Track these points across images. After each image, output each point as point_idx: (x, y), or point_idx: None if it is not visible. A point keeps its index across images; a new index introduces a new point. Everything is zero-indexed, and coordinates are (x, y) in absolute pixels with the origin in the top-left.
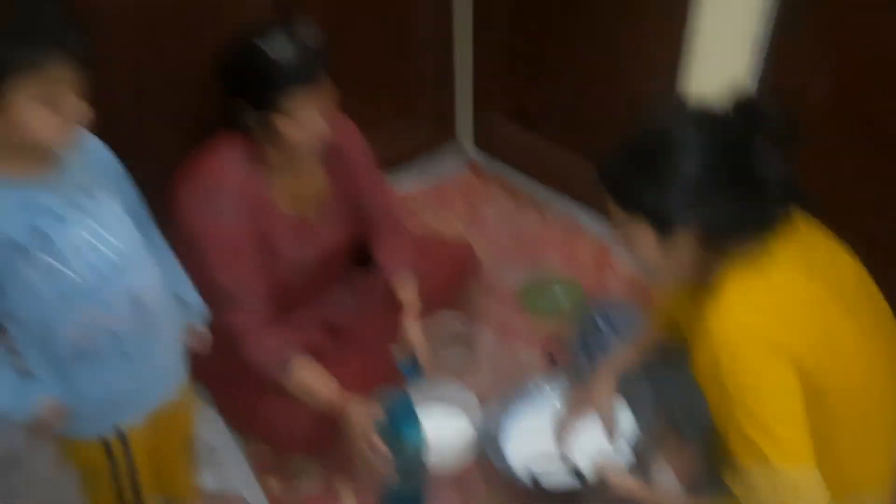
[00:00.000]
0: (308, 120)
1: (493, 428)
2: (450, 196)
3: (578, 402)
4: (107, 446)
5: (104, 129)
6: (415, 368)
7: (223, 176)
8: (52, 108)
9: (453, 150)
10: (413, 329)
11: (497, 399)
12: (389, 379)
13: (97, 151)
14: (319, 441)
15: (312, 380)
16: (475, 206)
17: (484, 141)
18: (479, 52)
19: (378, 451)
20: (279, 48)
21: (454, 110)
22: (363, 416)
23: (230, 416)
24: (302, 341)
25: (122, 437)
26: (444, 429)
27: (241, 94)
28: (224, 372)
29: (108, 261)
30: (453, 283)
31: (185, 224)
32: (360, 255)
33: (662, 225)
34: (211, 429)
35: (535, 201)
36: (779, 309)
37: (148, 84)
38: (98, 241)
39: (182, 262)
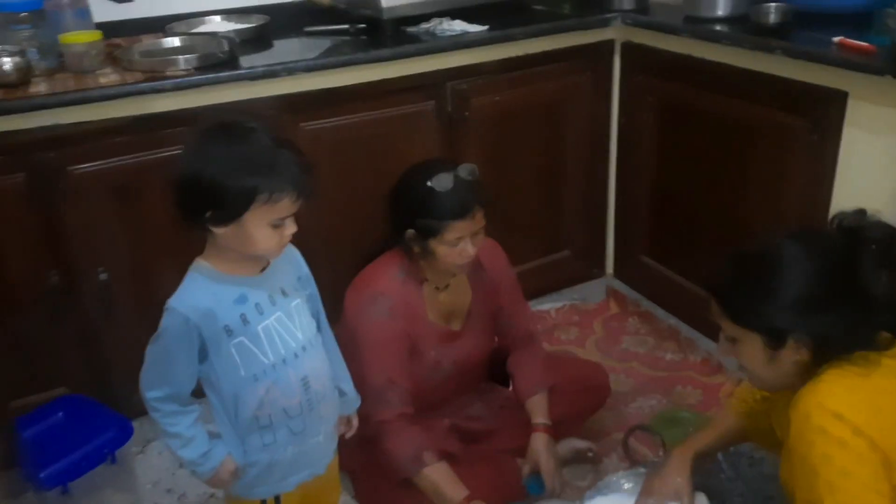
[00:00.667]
0: (462, 247)
1: None
2: (590, 322)
3: (653, 486)
4: None
5: (303, 243)
6: (539, 485)
7: (384, 285)
8: (276, 230)
9: (597, 279)
10: (540, 446)
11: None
12: (513, 492)
13: (293, 256)
14: None
15: (442, 482)
16: (614, 334)
17: (627, 274)
18: (621, 189)
19: None
20: (442, 186)
21: (604, 246)
22: None
23: None
24: (435, 445)
25: (277, 501)
26: None
27: (408, 223)
28: (367, 463)
29: (290, 349)
30: (583, 404)
31: (348, 326)
32: (497, 371)
33: (773, 338)
34: None
35: (675, 335)
36: (873, 404)
37: (336, 211)
38: (285, 331)
39: (345, 360)
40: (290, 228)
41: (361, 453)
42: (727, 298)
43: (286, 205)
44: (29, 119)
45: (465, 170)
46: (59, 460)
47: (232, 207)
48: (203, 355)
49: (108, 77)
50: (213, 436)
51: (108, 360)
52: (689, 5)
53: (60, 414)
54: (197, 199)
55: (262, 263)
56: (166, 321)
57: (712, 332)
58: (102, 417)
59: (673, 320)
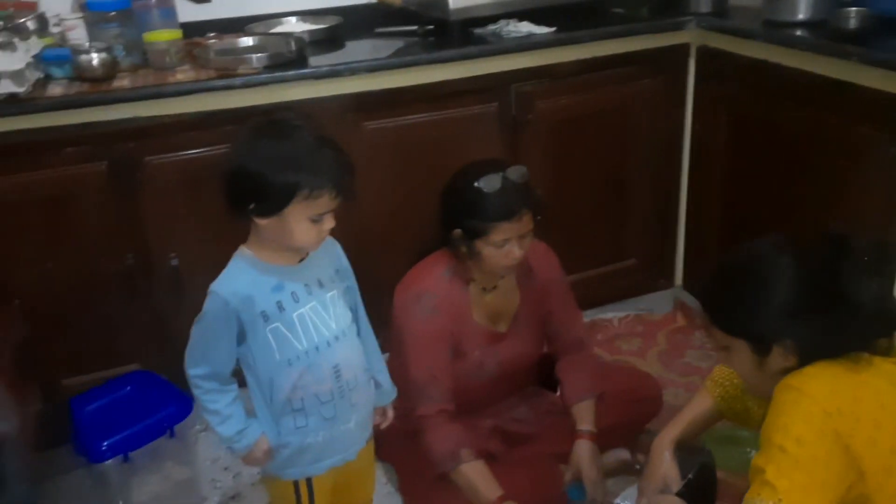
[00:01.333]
0: (508, 249)
1: None
2: (654, 333)
3: (643, 485)
4: (296, 488)
5: (357, 237)
6: (580, 493)
7: (430, 283)
8: (315, 225)
9: (664, 290)
10: (584, 453)
11: None
12: (553, 497)
13: (333, 249)
14: None
15: (477, 479)
16: (678, 347)
17: (694, 287)
18: (693, 198)
19: None
20: (489, 186)
21: (673, 257)
22: None
23: (409, 500)
24: (475, 443)
25: (309, 484)
26: None
27: (455, 223)
28: (409, 457)
29: (323, 337)
30: (632, 415)
31: (395, 323)
32: (546, 377)
33: (760, 345)
34: None
35: None
36: (852, 395)
37: (394, 209)
38: (319, 320)
39: (393, 356)
40: (329, 224)
41: (404, 447)
42: (714, 307)
43: (325, 201)
44: (112, 111)
45: (514, 172)
46: (121, 431)
47: (274, 201)
48: (241, 338)
49: (186, 74)
50: (251, 415)
51: (176, 340)
52: (769, 9)
53: (128, 388)
54: (242, 191)
55: (301, 254)
56: (208, 304)
57: None
58: (166, 393)
59: None
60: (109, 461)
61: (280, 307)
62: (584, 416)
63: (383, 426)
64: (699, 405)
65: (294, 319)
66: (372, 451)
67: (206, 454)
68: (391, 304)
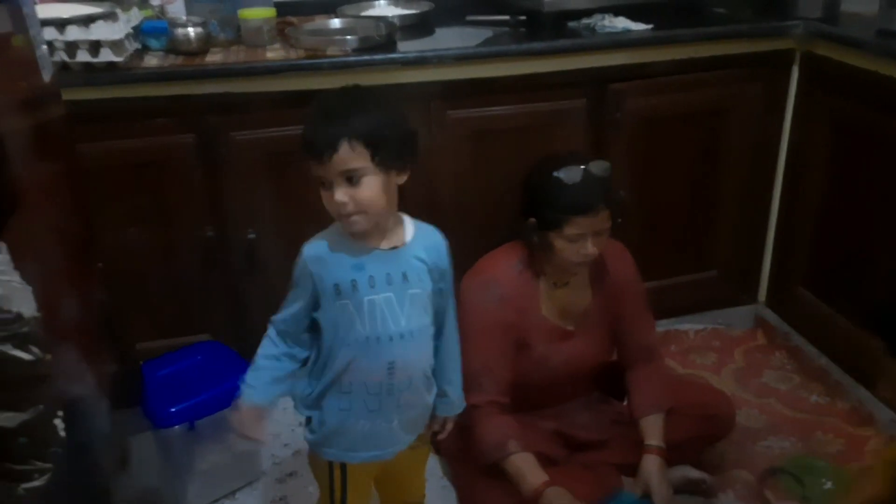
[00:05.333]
0: (581, 243)
1: None
2: (731, 349)
3: None
4: (330, 469)
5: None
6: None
7: (498, 273)
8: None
9: (746, 306)
10: (653, 469)
11: None
12: None
13: (436, 248)
14: None
15: (524, 468)
16: (756, 366)
17: (780, 305)
18: (785, 212)
19: None
20: (569, 178)
21: (759, 272)
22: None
23: (460, 492)
24: (532, 443)
25: (343, 469)
26: None
27: (531, 213)
28: (462, 450)
29: (388, 331)
30: (702, 433)
31: (460, 311)
32: (611, 385)
33: None
34: (445, 499)
35: (824, 377)
36: None
37: (472, 200)
38: (390, 313)
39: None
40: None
41: (458, 439)
42: None
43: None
44: (203, 85)
45: (597, 166)
46: (189, 399)
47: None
48: (316, 304)
49: (276, 52)
50: (291, 377)
51: (249, 314)
52: (884, 18)
53: (198, 357)
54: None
55: (394, 242)
56: (297, 260)
57: (867, 380)
58: (234, 365)
59: (824, 360)
60: (175, 427)
61: (354, 286)
62: (653, 430)
63: (440, 437)
64: (865, 489)
65: (364, 303)
66: (421, 457)
67: (269, 429)
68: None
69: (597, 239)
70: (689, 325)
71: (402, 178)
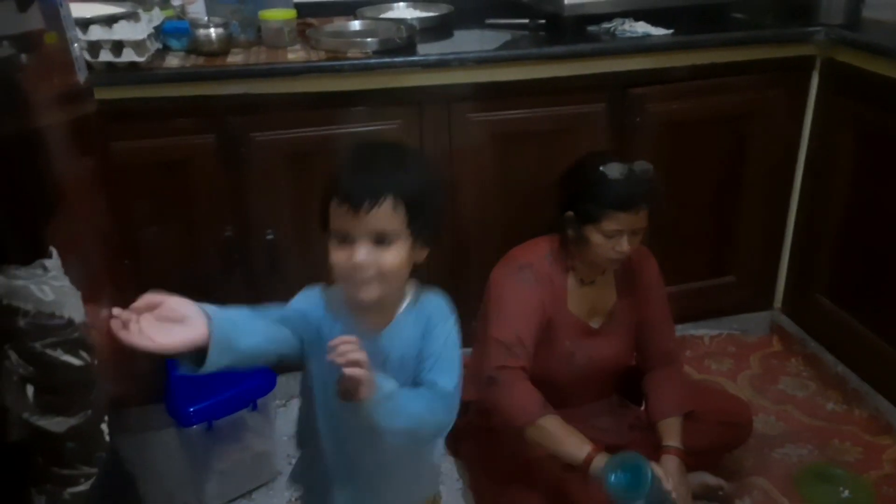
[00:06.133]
0: (617, 240)
1: None
2: (747, 355)
3: None
4: None
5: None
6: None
7: (534, 259)
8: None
9: (762, 312)
10: (672, 469)
11: None
12: None
13: (427, 324)
14: None
15: (562, 433)
16: (772, 373)
17: (796, 311)
18: (803, 219)
19: None
20: (614, 173)
21: (775, 278)
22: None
23: (479, 498)
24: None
25: None
26: None
27: (571, 205)
28: (481, 453)
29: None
30: (719, 439)
31: (491, 294)
32: (629, 390)
33: None
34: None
35: (841, 385)
36: None
37: (491, 202)
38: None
39: (475, 349)
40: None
41: (477, 445)
42: None
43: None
44: (224, 86)
45: (640, 166)
46: (208, 399)
47: None
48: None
49: (297, 53)
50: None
51: None
52: None
53: None
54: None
55: (386, 319)
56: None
57: (886, 388)
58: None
59: (841, 368)
60: (195, 426)
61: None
62: (672, 432)
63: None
64: None
65: (322, 369)
66: None
67: (284, 430)
68: (480, 296)
69: (633, 238)
70: (704, 331)
71: (422, 256)
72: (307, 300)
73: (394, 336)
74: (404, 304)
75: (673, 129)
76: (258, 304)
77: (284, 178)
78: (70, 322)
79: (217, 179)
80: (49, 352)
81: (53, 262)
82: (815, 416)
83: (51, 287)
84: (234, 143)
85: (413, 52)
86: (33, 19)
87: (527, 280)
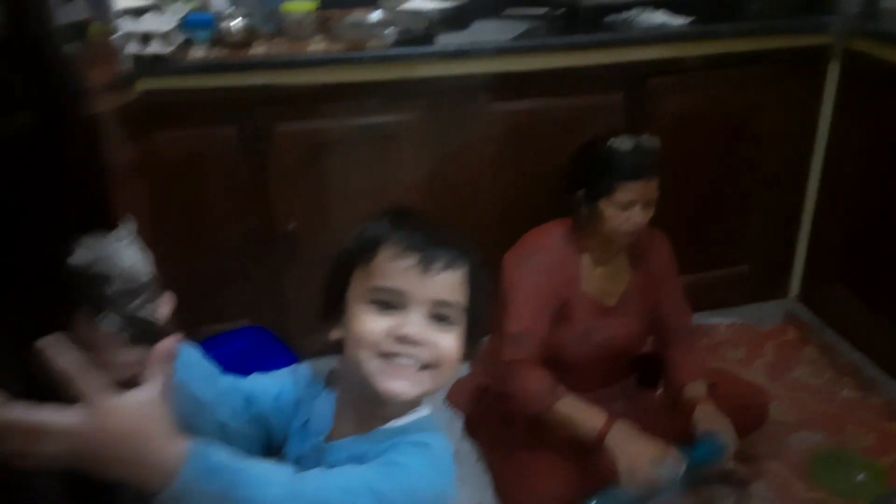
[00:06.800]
0: (630, 210)
1: None
2: (762, 344)
3: None
4: None
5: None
6: (715, 447)
7: (543, 244)
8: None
9: (776, 301)
10: (710, 409)
11: None
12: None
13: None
14: None
15: (578, 410)
16: (787, 361)
17: (812, 300)
18: (821, 208)
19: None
20: (621, 145)
21: (790, 268)
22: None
23: (498, 480)
24: None
25: None
26: None
27: (581, 182)
28: (497, 436)
29: None
30: (736, 424)
31: (504, 281)
32: (644, 375)
33: None
34: (482, 490)
35: (856, 372)
36: None
37: (506, 191)
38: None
39: (493, 334)
40: None
41: (491, 426)
42: None
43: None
44: (247, 78)
45: (647, 139)
46: None
47: None
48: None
49: (318, 45)
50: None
51: (288, 302)
52: None
53: (242, 341)
54: None
55: (365, 429)
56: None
57: None
58: (276, 351)
59: (857, 356)
60: None
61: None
62: (699, 391)
63: None
64: None
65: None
66: None
67: None
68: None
69: (645, 209)
70: (719, 320)
71: (463, 358)
72: (280, 378)
73: (343, 450)
74: (398, 422)
75: (689, 118)
76: (281, 294)
77: (307, 168)
78: (150, 282)
79: (240, 169)
80: (138, 313)
81: (130, 228)
82: (830, 403)
83: (132, 251)
84: (256, 135)
85: (432, 42)
86: (79, 9)
87: (538, 265)
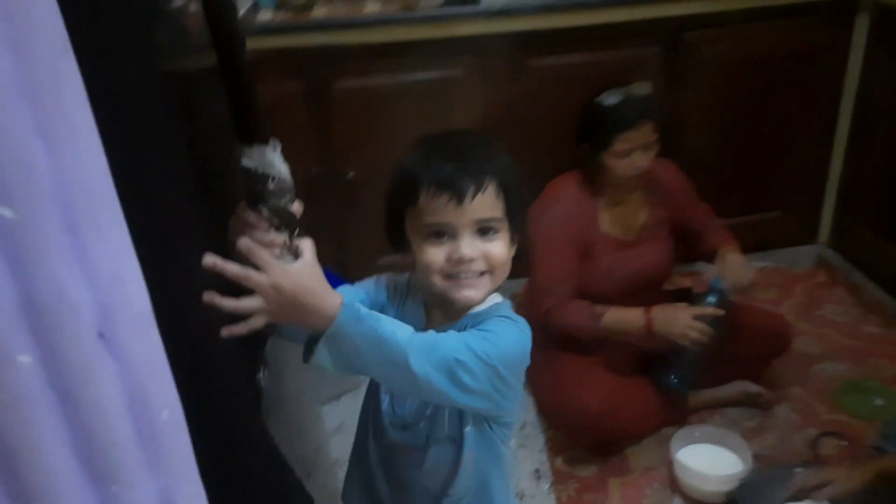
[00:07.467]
0: (630, 157)
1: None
2: (792, 285)
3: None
4: None
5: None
6: (721, 291)
7: (560, 195)
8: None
9: (807, 245)
10: (735, 252)
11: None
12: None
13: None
14: (608, 422)
15: (622, 315)
16: (816, 300)
17: (842, 244)
18: (851, 157)
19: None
20: (611, 100)
21: (819, 213)
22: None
23: (541, 401)
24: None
25: None
26: (713, 459)
27: (586, 138)
28: (540, 362)
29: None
30: (759, 349)
31: (529, 234)
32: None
33: None
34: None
35: (882, 310)
36: None
37: (551, 146)
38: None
39: (530, 280)
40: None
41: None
42: None
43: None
44: (309, 38)
45: (637, 87)
46: None
47: None
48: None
49: (373, 6)
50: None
51: (348, 247)
52: None
53: None
54: None
55: (453, 319)
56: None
57: None
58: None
59: (883, 295)
60: None
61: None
62: (733, 247)
63: None
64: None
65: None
66: None
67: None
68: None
69: (646, 152)
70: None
71: (512, 251)
72: (366, 287)
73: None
74: (479, 308)
75: (723, 70)
76: (340, 237)
77: (365, 121)
78: (293, 185)
79: (305, 121)
80: (287, 206)
81: (275, 143)
82: (855, 337)
83: (282, 160)
84: (318, 90)
85: (477, 2)
86: None
87: (557, 214)
